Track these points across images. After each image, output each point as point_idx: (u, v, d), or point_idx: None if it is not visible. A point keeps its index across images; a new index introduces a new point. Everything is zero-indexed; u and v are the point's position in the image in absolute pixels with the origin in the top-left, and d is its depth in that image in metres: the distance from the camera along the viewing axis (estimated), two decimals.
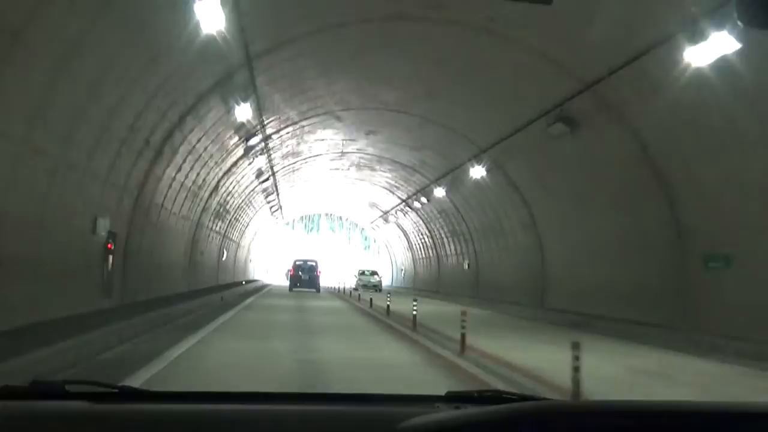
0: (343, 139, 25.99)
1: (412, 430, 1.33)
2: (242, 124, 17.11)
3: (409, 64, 16.60)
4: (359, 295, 25.90)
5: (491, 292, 26.26)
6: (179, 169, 16.04)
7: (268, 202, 34.49)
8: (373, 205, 41.46)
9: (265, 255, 58.55)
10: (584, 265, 18.41)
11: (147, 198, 14.41)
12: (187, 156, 16.03)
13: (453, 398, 1.81)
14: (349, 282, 42.26)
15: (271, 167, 26.46)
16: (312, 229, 78.91)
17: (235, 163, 21.25)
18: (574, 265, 19.06)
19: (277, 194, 33.70)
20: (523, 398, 1.88)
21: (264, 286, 39.01)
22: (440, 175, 26.49)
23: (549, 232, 20.76)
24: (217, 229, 25.75)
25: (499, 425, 1.29)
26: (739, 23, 1.27)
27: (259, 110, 17.20)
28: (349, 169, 31.76)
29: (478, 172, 22.29)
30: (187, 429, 1.48)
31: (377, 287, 38.40)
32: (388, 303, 17.40)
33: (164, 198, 15.94)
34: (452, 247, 32.04)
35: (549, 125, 16.36)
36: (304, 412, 1.65)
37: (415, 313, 13.47)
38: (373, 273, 41.89)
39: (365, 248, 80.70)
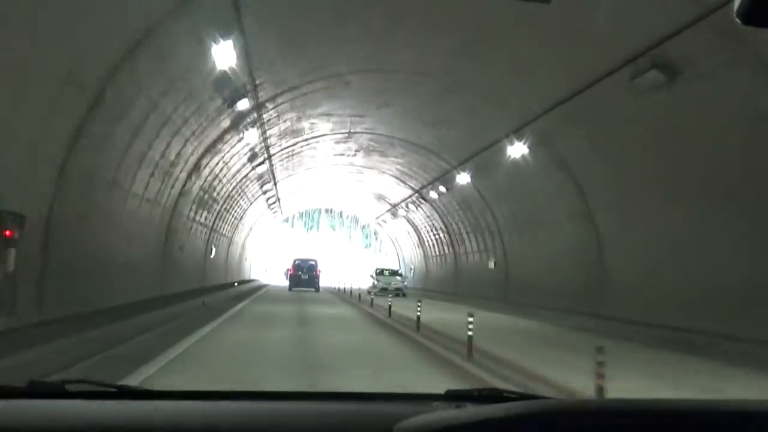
0: (350, 115, 21.58)
1: (412, 428, 1.27)
2: (225, 77, 12.61)
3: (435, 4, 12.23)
4: (372, 299, 21.30)
5: (524, 295, 21.86)
6: (137, 133, 11.58)
7: (264, 193, 30.01)
8: (380, 197, 37.02)
9: (262, 253, 54.30)
10: (667, 264, 13.95)
11: (84, 168, 9.96)
12: (148, 115, 11.58)
13: (453, 397, 1.74)
14: (358, 283, 37.69)
15: (267, 148, 22.02)
16: (312, 227, 75.67)
17: (220, 138, 16.81)
18: (651, 264, 14.61)
19: (275, 183, 29.24)
20: (524, 397, 1.80)
21: (261, 287, 34.65)
22: (465, 157, 22.05)
23: (612, 223, 16.30)
24: (202, 220, 21.29)
25: (499, 424, 1.24)
26: (737, 20, 1.15)
27: (248, 59, 12.76)
28: (355, 154, 27.31)
29: (517, 150, 17.89)
30: (187, 427, 1.41)
31: (401, 292, 29.28)
32: (419, 312, 12.88)
33: (116, 171, 11.51)
34: (474, 242, 27.61)
35: (635, 76, 11.96)
36: (304, 409, 1.62)
37: (470, 333, 8.99)
38: (395, 273, 33.05)
39: (366, 246, 76.99)
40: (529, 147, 17.51)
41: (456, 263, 30.57)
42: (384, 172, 30.48)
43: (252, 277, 45.96)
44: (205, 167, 17.63)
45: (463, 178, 23.12)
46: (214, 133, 16.15)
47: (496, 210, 23.69)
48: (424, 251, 36.85)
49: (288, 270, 35.32)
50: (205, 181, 18.72)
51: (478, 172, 22.17)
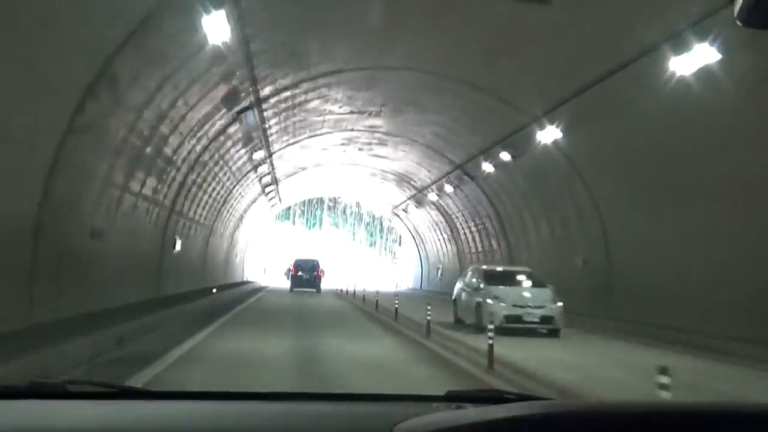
0: (382, 30, 13.17)
1: (412, 429, 1.21)
2: None
3: None
4: (428, 320, 11.81)
5: (647, 310, 13.42)
6: None
7: (255, 168, 21.50)
8: (403, 179, 28.57)
9: (261, 251, 46.15)
10: None
11: None
12: None
13: (453, 398, 1.67)
14: (364, 284, 29.28)
15: (253, 83, 13.60)
16: (314, 224, 69.49)
17: (152, 18, 8.40)
18: None
19: (269, 155, 20.75)
20: (524, 398, 1.72)
21: (254, 292, 26.26)
22: (562, 98, 13.67)
23: None
24: (149, 193, 12.78)
25: (500, 426, 1.18)
26: (738, 22, 1.09)
27: None
28: (381, 110, 18.84)
29: (688, 62, 9.64)
30: (187, 427, 1.36)
31: (549, 323, 12.45)
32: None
33: None
34: (543, 231, 19.21)
35: None
36: (304, 410, 1.55)
37: None
38: (528, 277, 14.11)
39: (370, 245, 70.06)
40: (722, 49, 9.20)
41: (511, 261, 22.10)
42: (414, 141, 22.04)
43: (246, 279, 37.51)
44: (130, 84, 9.16)
45: (547, 135, 14.79)
46: None
47: (595, 180, 15.30)
48: (457, 246, 28.38)
49: (289, 270, 32.60)
50: (139, 119, 10.23)
51: (576, 122, 13.83)
